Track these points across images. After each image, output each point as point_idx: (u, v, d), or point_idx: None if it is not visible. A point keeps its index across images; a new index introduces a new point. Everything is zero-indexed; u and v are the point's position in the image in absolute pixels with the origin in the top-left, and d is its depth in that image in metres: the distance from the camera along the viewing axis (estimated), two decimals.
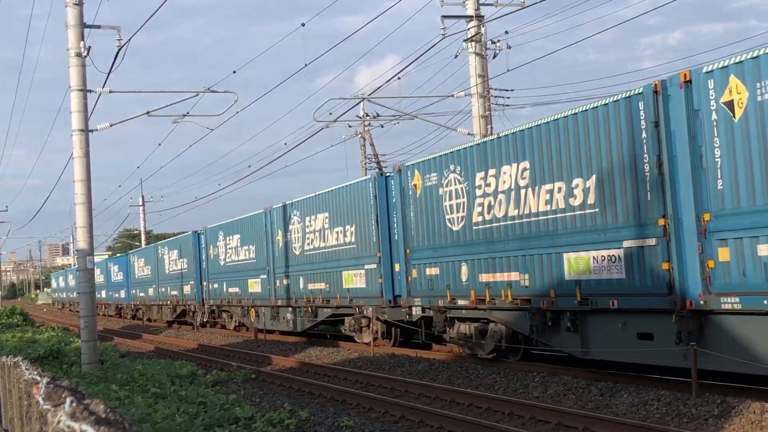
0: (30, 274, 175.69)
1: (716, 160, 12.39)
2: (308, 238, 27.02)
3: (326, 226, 25.58)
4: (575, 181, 15.12)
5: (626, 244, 14.04)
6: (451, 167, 18.91)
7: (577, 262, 15.17)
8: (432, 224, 19.78)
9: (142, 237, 69.55)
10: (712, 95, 12.43)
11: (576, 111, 15.10)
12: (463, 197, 18.49)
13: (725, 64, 12.22)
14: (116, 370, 20.39)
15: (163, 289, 45.54)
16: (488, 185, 17.61)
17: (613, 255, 14.32)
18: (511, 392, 15.42)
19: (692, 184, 12.74)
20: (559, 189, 15.52)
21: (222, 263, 35.73)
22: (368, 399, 15.46)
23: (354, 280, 24.04)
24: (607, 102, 14.37)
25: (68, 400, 3.80)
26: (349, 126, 40.58)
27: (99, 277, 62.57)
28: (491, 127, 26.16)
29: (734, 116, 12.07)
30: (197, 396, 15.70)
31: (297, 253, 27.98)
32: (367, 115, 39.74)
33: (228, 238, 34.88)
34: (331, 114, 32.63)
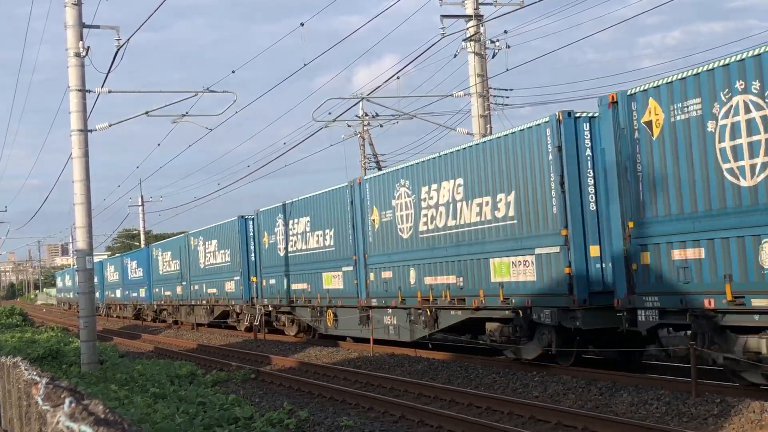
0: (29, 275, 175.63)
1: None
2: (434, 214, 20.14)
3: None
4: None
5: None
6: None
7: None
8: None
9: (142, 237, 69.53)
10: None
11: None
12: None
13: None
14: (115, 371, 20.39)
15: (196, 287, 39.32)
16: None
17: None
18: (511, 392, 15.42)
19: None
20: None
21: (281, 253, 28.84)
22: (368, 399, 15.46)
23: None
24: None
25: (67, 400, 3.79)
26: (349, 126, 40.59)
27: (113, 275, 59.15)
28: (490, 127, 26.17)
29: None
30: (197, 396, 15.69)
31: (406, 236, 21.27)
32: (366, 115, 39.73)
33: (293, 222, 27.90)
34: (330, 114, 32.66)
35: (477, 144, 18.37)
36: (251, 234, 32.24)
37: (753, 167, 11.93)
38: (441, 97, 29.60)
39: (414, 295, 20.59)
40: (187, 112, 25.61)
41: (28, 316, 52.52)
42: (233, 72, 28.97)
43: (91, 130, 22.02)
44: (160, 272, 46.46)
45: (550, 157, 15.76)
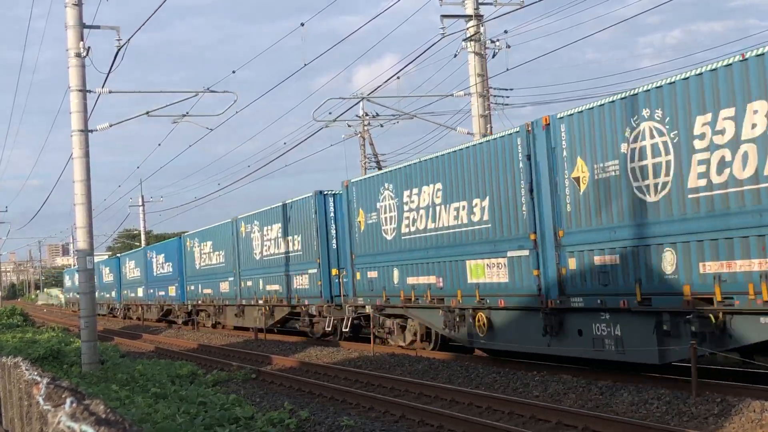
0: (30, 275, 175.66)
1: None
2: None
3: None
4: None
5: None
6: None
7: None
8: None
9: (142, 237, 69.54)
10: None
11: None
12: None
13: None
14: (116, 371, 20.40)
15: (249, 283, 32.42)
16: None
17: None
18: (511, 391, 15.43)
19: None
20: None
21: (389, 237, 21.80)
22: (368, 398, 15.47)
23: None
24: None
25: (68, 400, 3.80)
26: (349, 125, 40.60)
27: (133, 272, 53.28)
28: (491, 126, 26.18)
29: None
30: (197, 396, 15.70)
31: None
32: (367, 115, 39.75)
33: (409, 192, 20.81)
34: (330, 114, 32.65)
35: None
36: (332, 214, 26.21)
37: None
38: (441, 97, 29.61)
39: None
40: (187, 112, 25.62)
41: (29, 317, 52.52)
42: (234, 72, 28.96)
43: (91, 131, 22.04)
44: (197, 266, 39.35)
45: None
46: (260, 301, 30.99)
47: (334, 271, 25.91)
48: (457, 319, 19.00)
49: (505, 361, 18.65)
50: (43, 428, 4.59)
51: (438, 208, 19.52)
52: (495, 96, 29.01)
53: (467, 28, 25.70)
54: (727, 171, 12.41)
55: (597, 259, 14.83)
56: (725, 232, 12.42)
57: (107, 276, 62.14)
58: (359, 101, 31.43)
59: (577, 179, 15.23)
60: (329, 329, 26.05)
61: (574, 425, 12.09)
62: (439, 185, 19.45)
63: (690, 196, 13.01)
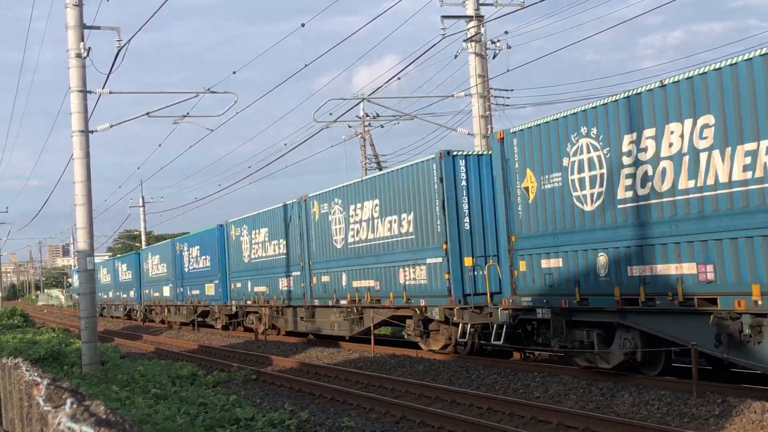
0: (30, 275, 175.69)
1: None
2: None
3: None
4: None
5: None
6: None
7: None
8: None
9: (143, 238, 69.55)
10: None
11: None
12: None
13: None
14: (117, 371, 20.39)
15: (325, 279, 25.72)
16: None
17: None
18: (512, 392, 15.42)
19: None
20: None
21: (589, 207, 15.58)
22: (369, 399, 15.46)
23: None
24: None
25: (69, 401, 3.80)
26: (349, 126, 40.59)
27: (157, 268, 46.71)
28: (491, 127, 26.18)
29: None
30: (198, 397, 15.69)
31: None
32: (367, 116, 39.74)
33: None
34: (331, 114, 32.62)
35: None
36: (463, 183, 19.55)
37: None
38: (442, 98, 29.60)
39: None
40: (188, 113, 25.62)
41: (29, 317, 52.50)
42: (234, 73, 28.94)
43: (92, 131, 22.04)
44: (246, 259, 32.62)
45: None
46: (343, 302, 24.79)
47: (468, 261, 19.48)
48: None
49: (506, 362, 18.66)
50: (44, 429, 4.58)
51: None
52: (495, 97, 29.02)
53: (468, 29, 25.70)
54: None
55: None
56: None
57: (124, 274, 55.85)
58: (360, 102, 31.43)
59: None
60: (463, 339, 19.66)
61: (575, 426, 12.08)
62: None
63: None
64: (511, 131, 17.11)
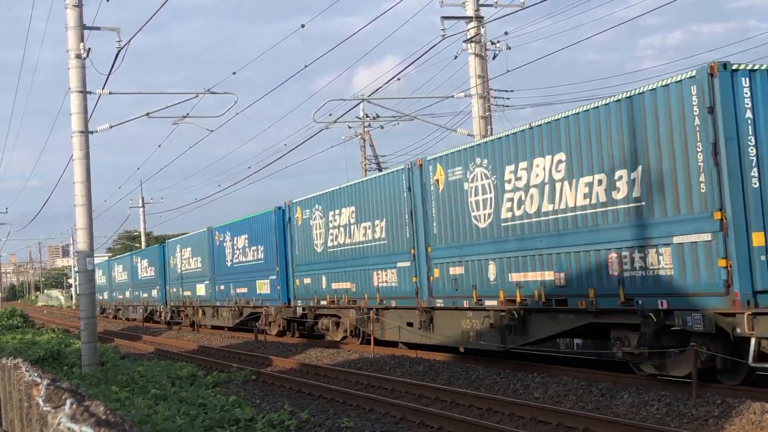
0: (30, 276, 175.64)
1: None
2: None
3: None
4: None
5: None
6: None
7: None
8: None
9: (142, 238, 69.55)
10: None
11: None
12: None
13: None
14: (116, 372, 20.40)
15: (457, 271, 19.10)
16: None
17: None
18: (512, 393, 15.43)
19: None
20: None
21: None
22: (368, 400, 15.46)
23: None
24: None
25: (68, 401, 3.80)
26: (349, 127, 40.58)
27: (190, 262, 39.77)
28: (491, 128, 26.19)
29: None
30: (197, 397, 15.70)
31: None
32: (367, 116, 39.74)
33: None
34: (330, 115, 32.65)
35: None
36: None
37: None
38: (442, 99, 29.62)
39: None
40: (187, 114, 25.64)
41: (29, 318, 52.49)
42: (234, 73, 28.95)
43: (92, 132, 22.04)
44: (319, 248, 25.98)
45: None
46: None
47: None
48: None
49: (506, 362, 18.69)
50: (43, 429, 4.58)
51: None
52: (495, 97, 29.04)
53: (468, 30, 25.71)
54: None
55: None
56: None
57: (144, 270, 49.53)
58: (359, 103, 31.46)
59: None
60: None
61: (574, 427, 12.08)
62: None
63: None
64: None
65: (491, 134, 25.28)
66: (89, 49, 21.27)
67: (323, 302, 25.78)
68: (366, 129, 41.53)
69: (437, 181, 19.60)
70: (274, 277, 29.45)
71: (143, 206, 67.57)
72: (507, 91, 30.31)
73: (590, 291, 14.88)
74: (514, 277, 16.96)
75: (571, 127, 15.28)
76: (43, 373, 7.15)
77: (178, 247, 42.73)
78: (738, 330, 12.34)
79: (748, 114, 12.62)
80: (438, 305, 19.80)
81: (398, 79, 35.52)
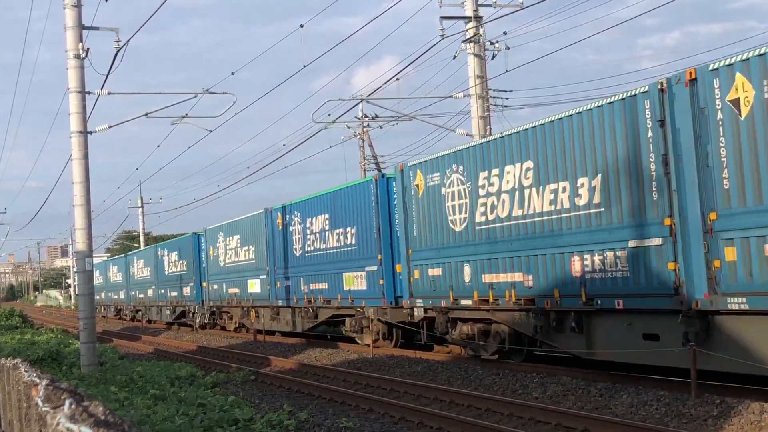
0: (29, 276, 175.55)
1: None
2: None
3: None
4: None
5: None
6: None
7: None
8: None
9: (141, 238, 69.51)
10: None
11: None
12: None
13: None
14: (115, 372, 20.39)
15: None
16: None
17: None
18: (511, 393, 15.42)
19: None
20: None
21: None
22: (367, 400, 15.46)
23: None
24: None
25: (67, 401, 3.80)
26: (348, 127, 40.52)
27: (236, 253, 33.93)
28: (490, 128, 26.19)
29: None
30: (196, 397, 15.69)
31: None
32: (366, 116, 39.73)
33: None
34: (329, 115, 32.64)
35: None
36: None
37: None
38: (440, 99, 29.61)
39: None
40: (186, 114, 25.62)
41: (28, 318, 52.45)
42: (233, 73, 28.94)
43: (90, 132, 22.03)
44: (443, 229, 19.93)
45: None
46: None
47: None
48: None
49: (505, 363, 18.67)
50: (42, 430, 4.58)
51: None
52: (494, 98, 29.02)
53: (467, 30, 25.71)
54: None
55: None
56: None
57: (173, 265, 43.06)
58: (358, 103, 31.42)
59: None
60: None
61: (573, 427, 12.08)
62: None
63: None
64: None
65: (490, 134, 25.32)
66: (88, 49, 21.25)
67: (465, 302, 19.07)
68: (365, 129, 41.54)
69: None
70: (374, 268, 23.21)
71: (142, 206, 67.54)
72: (506, 91, 30.29)
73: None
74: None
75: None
76: (42, 373, 7.15)
77: (221, 234, 36.07)
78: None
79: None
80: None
81: (397, 79, 35.43)
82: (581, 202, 15.19)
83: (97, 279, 64.55)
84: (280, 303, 29.82)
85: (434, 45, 25.53)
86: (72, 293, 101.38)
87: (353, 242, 24.10)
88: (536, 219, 16.35)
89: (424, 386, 16.35)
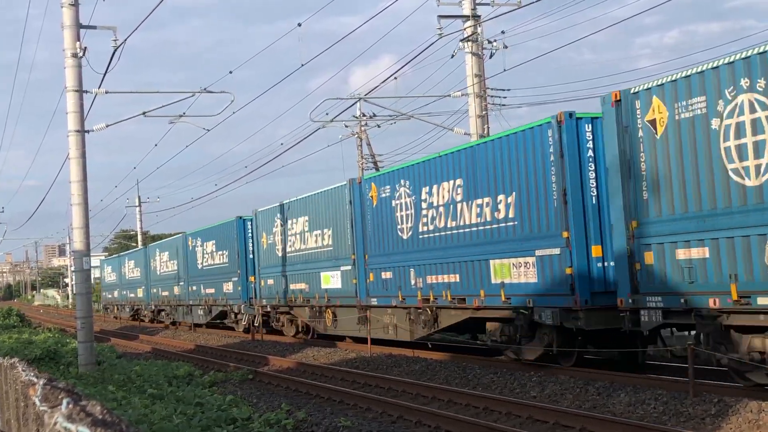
0: (26, 275, 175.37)
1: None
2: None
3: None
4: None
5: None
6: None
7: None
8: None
9: (139, 238, 69.43)
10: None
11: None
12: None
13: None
14: (113, 371, 20.38)
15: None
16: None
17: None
18: (509, 392, 15.42)
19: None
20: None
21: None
22: (365, 399, 15.45)
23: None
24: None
25: (65, 401, 3.79)
26: (346, 126, 40.44)
27: (301, 239, 27.74)
28: (488, 127, 26.17)
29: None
30: (194, 397, 15.68)
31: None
32: (364, 115, 39.67)
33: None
34: (327, 114, 32.67)
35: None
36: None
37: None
38: (438, 98, 29.60)
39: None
40: (184, 113, 25.61)
41: (26, 317, 52.39)
42: (230, 72, 28.98)
43: (88, 131, 22.01)
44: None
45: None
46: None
47: None
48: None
49: (503, 362, 18.68)
50: (40, 429, 4.57)
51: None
52: (492, 96, 29.00)
53: (464, 29, 25.70)
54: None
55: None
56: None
57: (208, 257, 36.53)
58: (356, 102, 31.39)
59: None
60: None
61: (571, 426, 12.08)
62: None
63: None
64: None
65: (488, 133, 25.33)
66: (85, 48, 21.23)
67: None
68: (363, 128, 41.50)
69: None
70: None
71: (140, 205, 67.43)
72: (504, 90, 30.25)
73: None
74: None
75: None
76: (39, 372, 7.13)
77: (277, 218, 29.28)
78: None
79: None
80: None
81: (395, 78, 35.41)
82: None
83: (110, 276, 61.02)
84: (374, 302, 23.27)
85: (432, 44, 25.56)
86: (69, 292, 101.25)
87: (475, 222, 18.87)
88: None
89: (422, 385, 16.34)
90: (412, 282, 21.01)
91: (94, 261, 59.66)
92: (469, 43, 25.70)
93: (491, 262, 17.92)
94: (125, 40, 21.11)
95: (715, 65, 12.64)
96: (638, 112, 13.97)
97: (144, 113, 24.54)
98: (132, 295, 52.94)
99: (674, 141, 13.37)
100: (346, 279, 24.69)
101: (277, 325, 30.87)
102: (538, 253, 16.59)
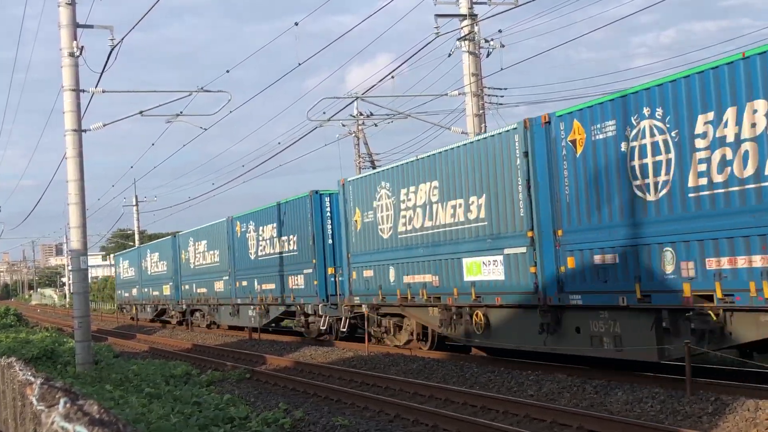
0: (23, 275, 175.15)
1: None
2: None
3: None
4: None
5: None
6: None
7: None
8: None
9: (136, 237, 69.37)
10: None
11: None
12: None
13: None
14: (110, 371, 20.36)
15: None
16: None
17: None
18: (506, 391, 15.43)
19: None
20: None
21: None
22: (363, 398, 15.46)
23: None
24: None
25: (62, 400, 3.79)
26: (343, 125, 40.42)
27: (416, 217, 20.60)
28: (485, 126, 26.17)
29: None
30: (192, 396, 15.68)
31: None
32: (361, 114, 39.68)
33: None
34: (324, 113, 32.61)
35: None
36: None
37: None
38: (435, 97, 29.61)
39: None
40: (181, 112, 25.58)
41: (23, 317, 52.34)
42: (227, 72, 28.91)
43: (85, 130, 21.98)
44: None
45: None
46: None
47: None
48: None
49: (500, 360, 18.70)
50: (37, 429, 4.57)
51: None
52: (489, 95, 29.00)
53: (461, 28, 25.69)
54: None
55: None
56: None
57: (266, 244, 30.39)
58: (353, 101, 31.40)
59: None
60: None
61: (568, 424, 12.09)
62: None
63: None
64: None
65: (485, 132, 25.38)
66: (82, 47, 21.21)
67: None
68: (360, 127, 41.51)
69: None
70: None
71: (137, 204, 67.38)
72: (501, 89, 30.27)
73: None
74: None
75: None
76: (36, 372, 7.13)
77: (381, 188, 22.36)
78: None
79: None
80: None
81: (392, 77, 35.46)
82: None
83: (126, 272, 54.14)
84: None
85: (429, 43, 25.50)
86: (67, 292, 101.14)
87: None
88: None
89: (420, 384, 16.35)
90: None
91: (94, 259, 59.51)
92: (466, 42, 25.70)
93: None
94: (122, 39, 21.09)
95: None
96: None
97: (141, 112, 24.52)
98: (156, 293, 45.54)
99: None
100: (513, 267, 17.05)
101: (377, 331, 23.32)
102: None
